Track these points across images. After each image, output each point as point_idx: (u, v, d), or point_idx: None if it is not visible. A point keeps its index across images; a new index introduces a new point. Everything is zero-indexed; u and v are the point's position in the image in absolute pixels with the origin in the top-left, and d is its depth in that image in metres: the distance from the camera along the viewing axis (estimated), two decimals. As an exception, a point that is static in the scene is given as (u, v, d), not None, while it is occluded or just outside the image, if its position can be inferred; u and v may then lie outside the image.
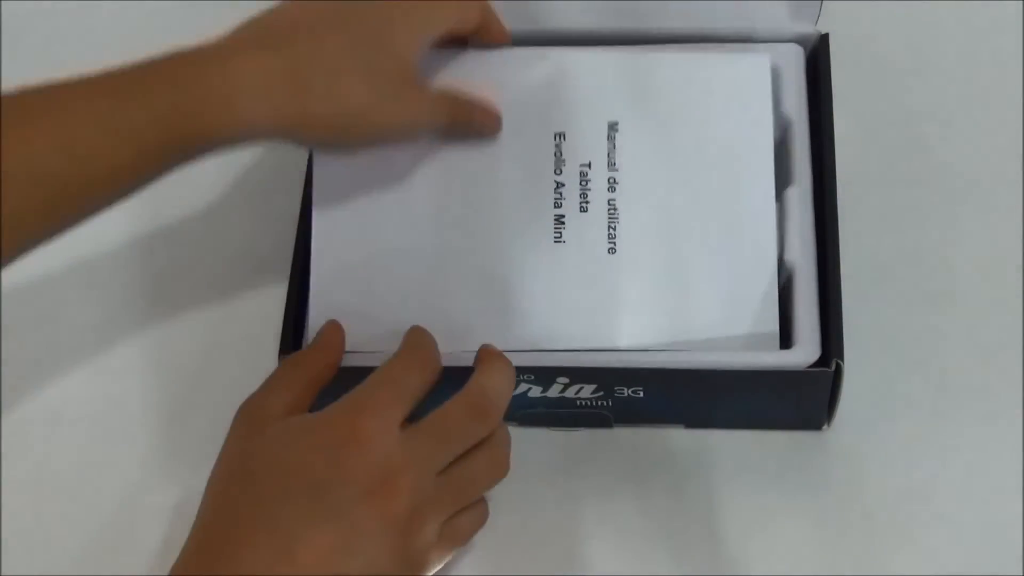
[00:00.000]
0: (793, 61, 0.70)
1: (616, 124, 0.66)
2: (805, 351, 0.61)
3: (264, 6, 0.61)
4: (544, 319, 0.64)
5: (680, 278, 0.64)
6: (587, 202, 0.65)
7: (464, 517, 0.56)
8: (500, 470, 0.57)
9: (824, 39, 0.69)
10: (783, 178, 0.67)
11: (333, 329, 0.62)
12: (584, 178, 0.65)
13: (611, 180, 0.65)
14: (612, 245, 0.64)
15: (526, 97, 0.67)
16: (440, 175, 0.66)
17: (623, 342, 0.63)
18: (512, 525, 0.65)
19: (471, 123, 0.64)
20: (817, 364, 0.61)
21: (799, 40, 0.70)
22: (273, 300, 0.66)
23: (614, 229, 0.65)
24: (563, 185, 0.65)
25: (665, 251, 0.64)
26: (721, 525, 0.64)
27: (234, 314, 0.72)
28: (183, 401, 0.70)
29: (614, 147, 0.66)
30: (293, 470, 0.51)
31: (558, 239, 0.65)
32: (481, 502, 0.58)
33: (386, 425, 0.52)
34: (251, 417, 0.55)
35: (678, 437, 0.67)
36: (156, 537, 0.66)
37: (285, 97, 0.55)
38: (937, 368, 0.67)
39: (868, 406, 0.66)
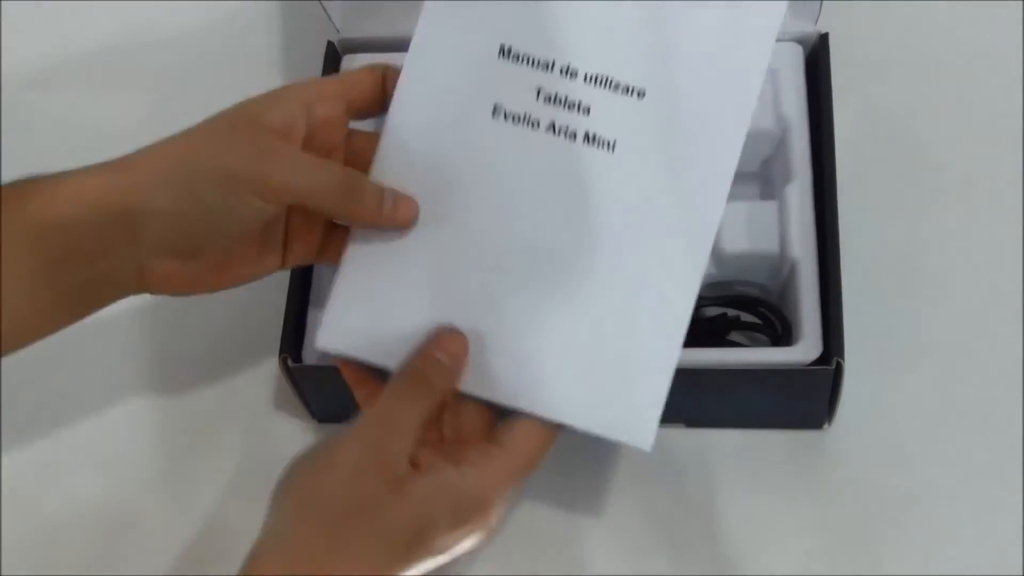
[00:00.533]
0: (793, 60, 0.70)
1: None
2: (806, 349, 0.61)
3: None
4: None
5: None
6: None
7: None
8: None
9: (824, 38, 0.69)
10: (783, 176, 0.67)
11: (452, 340, 0.56)
12: None
13: None
14: None
15: None
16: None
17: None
18: (512, 525, 0.65)
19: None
20: (818, 362, 0.61)
21: (799, 39, 0.70)
22: (273, 300, 0.66)
23: None
24: None
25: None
26: (721, 525, 0.64)
27: (234, 314, 0.72)
28: (183, 401, 0.70)
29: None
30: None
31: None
32: None
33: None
34: (382, 468, 0.52)
35: (678, 436, 0.67)
36: (154, 535, 0.66)
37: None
38: (937, 367, 0.67)
39: (869, 405, 0.66)
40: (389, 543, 0.50)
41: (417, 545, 0.51)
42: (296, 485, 0.52)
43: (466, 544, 0.53)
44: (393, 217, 0.56)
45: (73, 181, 0.52)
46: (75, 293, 0.53)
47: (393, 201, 0.56)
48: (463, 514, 0.52)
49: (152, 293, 0.55)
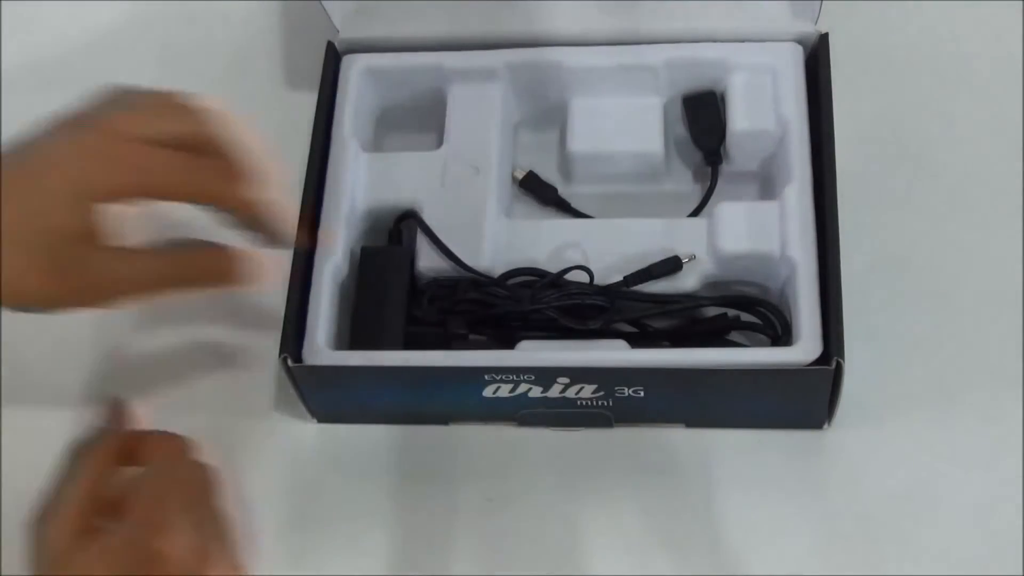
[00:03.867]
0: (793, 60, 0.70)
1: None
2: (806, 349, 0.61)
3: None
4: None
5: None
6: None
7: None
8: None
9: (824, 38, 0.69)
10: (783, 176, 0.67)
11: (116, 406, 0.56)
12: None
13: None
14: None
15: None
16: None
17: None
18: (511, 524, 0.65)
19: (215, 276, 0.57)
20: (817, 362, 0.61)
21: (799, 39, 0.70)
22: (273, 301, 0.66)
23: None
24: None
25: None
26: (721, 525, 0.64)
27: (234, 314, 0.72)
28: (182, 401, 0.70)
29: None
30: None
31: None
32: None
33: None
34: (38, 545, 0.52)
35: (678, 436, 0.67)
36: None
37: None
38: (937, 367, 0.67)
39: (868, 405, 0.66)
40: None
41: None
42: None
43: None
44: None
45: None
46: None
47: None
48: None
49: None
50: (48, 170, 0.53)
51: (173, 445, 0.54)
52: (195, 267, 0.56)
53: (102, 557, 0.49)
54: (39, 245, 0.52)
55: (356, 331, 0.66)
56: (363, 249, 0.68)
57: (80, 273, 0.53)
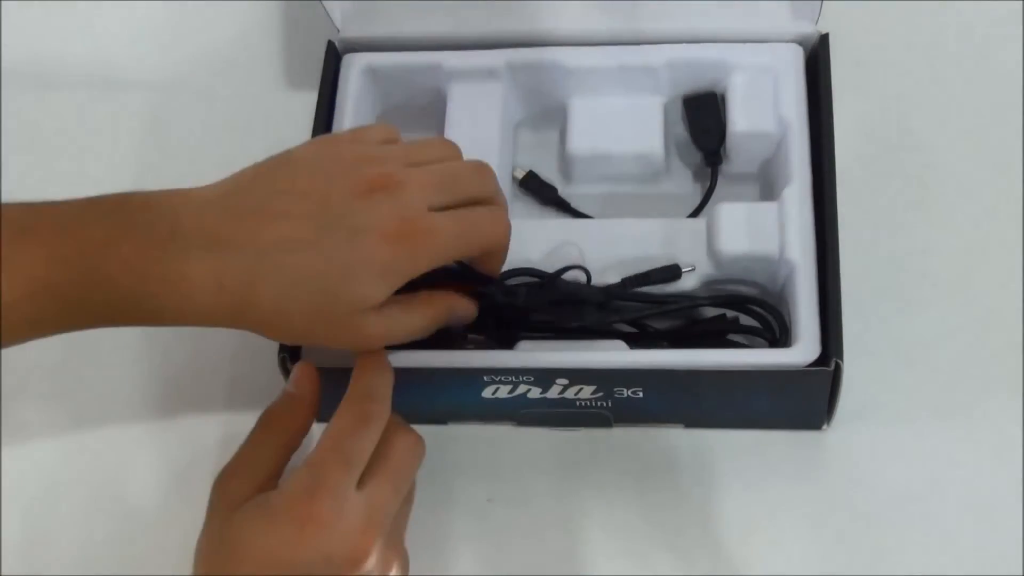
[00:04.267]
0: (793, 61, 0.70)
1: None
2: (804, 350, 0.61)
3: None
4: None
5: None
6: None
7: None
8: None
9: (824, 39, 0.69)
10: (782, 177, 0.67)
11: (305, 375, 0.59)
12: None
13: None
14: None
15: None
16: None
17: None
18: (512, 525, 0.65)
19: (453, 318, 0.61)
20: (816, 363, 0.61)
21: (799, 40, 0.70)
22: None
23: None
24: None
25: None
26: (721, 525, 0.64)
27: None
28: (182, 402, 0.70)
29: None
30: (261, 559, 0.52)
31: None
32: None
33: (340, 503, 0.52)
34: (221, 497, 0.55)
35: (677, 437, 0.67)
36: (153, 535, 0.66)
37: (231, 305, 0.54)
38: (937, 367, 0.67)
39: (868, 406, 0.66)
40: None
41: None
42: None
43: None
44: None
45: (186, 301, 0.53)
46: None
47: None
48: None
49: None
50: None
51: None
52: (446, 310, 0.59)
53: (265, 515, 0.53)
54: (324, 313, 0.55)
55: None
56: None
57: (354, 333, 0.55)
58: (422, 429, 0.67)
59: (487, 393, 0.64)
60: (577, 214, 0.72)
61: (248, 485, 0.55)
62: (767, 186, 0.71)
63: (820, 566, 0.63)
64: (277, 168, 0.56)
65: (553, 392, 0.63)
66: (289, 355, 0.63)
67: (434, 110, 0.73)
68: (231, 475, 0.56)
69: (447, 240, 0.55)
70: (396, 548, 0.56)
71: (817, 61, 0.69)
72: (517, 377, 0.62)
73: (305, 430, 0.59)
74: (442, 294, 0.59)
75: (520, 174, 0.73)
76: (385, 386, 0.57)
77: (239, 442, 0.69)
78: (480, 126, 0.71)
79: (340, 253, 0.53)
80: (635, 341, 0.65)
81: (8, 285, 0.52)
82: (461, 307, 0.61)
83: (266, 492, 0.54)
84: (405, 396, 0.62)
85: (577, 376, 0.62)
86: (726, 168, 0.72)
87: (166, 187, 0.56)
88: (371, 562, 0.52)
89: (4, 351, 0.70)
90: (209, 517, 0.55)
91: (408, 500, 0.58)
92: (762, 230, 0.65)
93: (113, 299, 0.53)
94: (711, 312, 0.66)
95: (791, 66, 0.70)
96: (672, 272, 0.66)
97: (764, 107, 0.69)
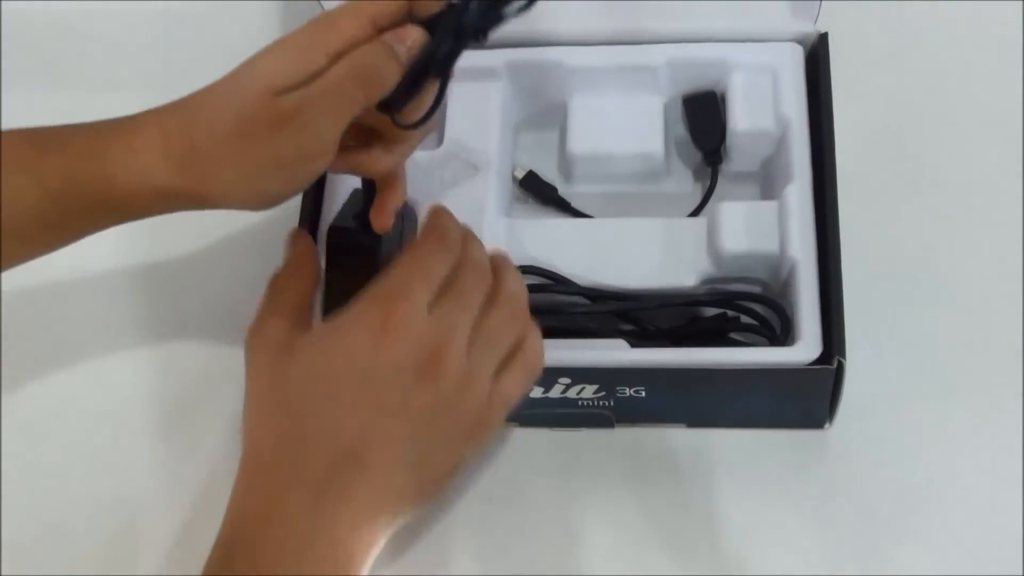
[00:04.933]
0: (792, 60, 0.70)
1: None
2: (806, 348, 0.61)
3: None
4: None
5: None
6: None
7: (509, 373, 0.54)
8: (521, 321, 0.55)
9: (823, 38, 0.69)
10: (783, 176, 0.67)
11: (299, 239, 0.59)
12: None
13: None
14: None
15: None
16: None
17: None
18: (512, 525, 0.65)
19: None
20: (818, 362, 0.61)
21: (798, 39, 0.70)
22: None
23: None
24: None
25: None
26: (721, 524, 0.64)
27: (234, 313, 0.72)
28: (183, 401, 0.70)
29: None
30: (338, 375, 0.51)
31: None
32: (520, 352, 0.55)
33: (416, 309, 0.51)
34: (267, 343, 0.53)
35: (679, 436, 0.67)
36: (154, 535, 0.66)
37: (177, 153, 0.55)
38: (938, 367, 0.67)
39: (869, 404, 0.66)
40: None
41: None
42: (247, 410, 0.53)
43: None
44: (405, 51, 0.54)
45: (139, 168, 0.54)
46: (139, 211, 0.57)
47: (396, 41, 0.54)
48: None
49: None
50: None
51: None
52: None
53: (336, 330, 0.52)
54: None
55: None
56: (332, 230, 0.63)
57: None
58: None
59: (489, 392, 0.64)
60: (577, 214, 0.72)
61: (285, 325, 0.54)
62: (767, 185, 0.71)
63: (821, 565, 0.63)
64: None
65: (555, 391, 0.63)
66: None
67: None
68: (268, 326, 0.54)
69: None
70: (477, 373, 0.53)
71: (817, 60, 0.69)
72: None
73: (313, 289, 0.57)
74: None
75: (520, 174, 0.73)
76: (456, 222, 0.56)
77: (239, 441, 0.69)
78: (480, 126, 0.71)
79: None
80: (636, 340, 0.65)
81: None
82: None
83: (322, 321, 0.54)
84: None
85: (579, 375, 0.62)
86: (726, 167, 0.72)
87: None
88: (449, 379, 0.51)
89: (5, 350, 0.70)
90: (256, 374, 0.53)
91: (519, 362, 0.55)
92: (763, 229, 0.65)
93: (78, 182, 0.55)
94: (712, 311, 0.66)
95: (791, 65, 0.70)
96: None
97: (764, 106, 0.69)
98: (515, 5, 0.56)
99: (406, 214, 0.64)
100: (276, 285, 0.57)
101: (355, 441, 0.50)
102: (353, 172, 0.59)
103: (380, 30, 0.54)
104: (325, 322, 0.53)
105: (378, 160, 0.58)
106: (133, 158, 0.54)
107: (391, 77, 0.53)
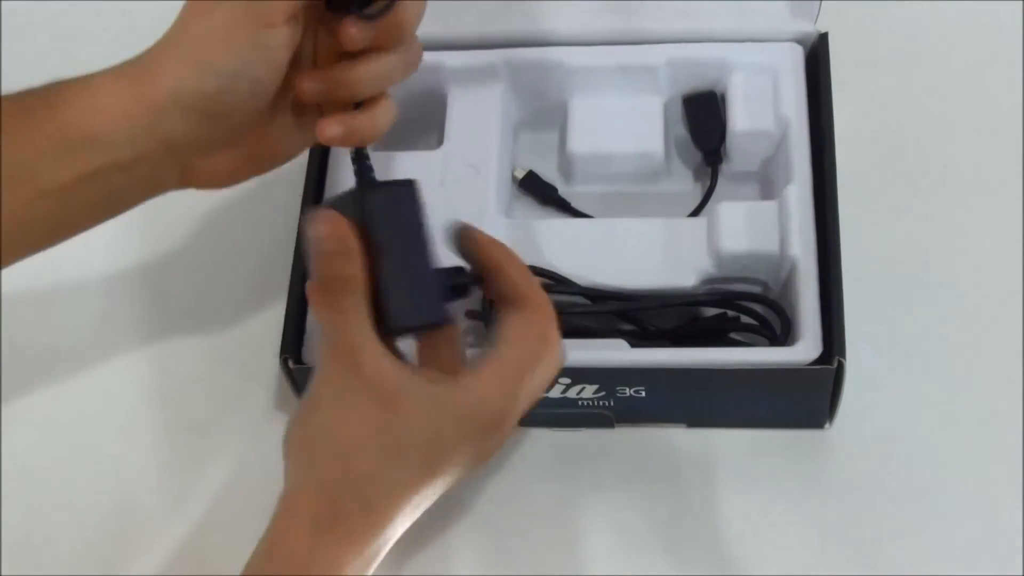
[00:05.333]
0: (792, 60, 0.70)
1: None
2: (806, 348, 0.61)
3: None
4: None
5: None
6: None
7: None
8: (553, 335, 0.54)
9: (823, 38, 0.70)
10: (783, 176, 0.67)
11: (331, 221, 0.52)
12: None
13: None
14: None
15: None
16: None
17: None
18: (512, 525, 0.65)
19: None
20: (818, 361, 0.61)
21: (798, 39, 0.70)
22: (273, 300, 0.66)
23: None
24: None
25: None
26: (721, 525, 0.64)
27: (235, 314, 0.72)
28: (183, 402, 0.70)
29: None
30: (441, 434, 0.50)
31: None
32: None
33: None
34: (366, 378, 0.50)
35: (679, 436, 0.67)
36: (154, 535, 0.66)
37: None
38: (939, 366, 0.67)
39: (869, 404, 0.66)
40: (402, 464, 0.50)
41: (434, 462, 0.50)
42: (296, 431, 0.52)
43: (489, 448, 0.52)
44: None
45: (99, 91, 0.52)
46: (110, 198, 0.54)
47: None
48: (470, 424, 0.50)
49: (195, 188, 0.56)
50: None
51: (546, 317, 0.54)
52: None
53: (439, 404, 0.51)
54: None
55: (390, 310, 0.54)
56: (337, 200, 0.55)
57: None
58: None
59: (489, 393, 0.64)
60: (577, 214, 0.72)
61: (380, 353, 0.50)
62: (767, 185, 0.71)
63: (821, 565, 0.63)
64: None
65: (555, 391, 0.63)
66: (291, 356, 0.63)
67: (434, 110, 0.73)
68: (353, 341, 0.50)
69: None
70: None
71: (817, 60, 0.69)
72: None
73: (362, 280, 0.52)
74: None
75: (520, 174, 0.73)
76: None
77: (239, 441, 0.69)
78: (480, 126, 0.71)
79: None
80: (637, 340, 0.65)
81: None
82: None
83: (436, 377, 0.51)
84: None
85: (579, 375, 0.62)
86: (726, 167, 0.72)
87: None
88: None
89: (5, 349, 0.70)
90: (340, 409, 0.50)
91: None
92: (763, 229, 0.65)
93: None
94: (712, 311, 0.66)
95: (791, 65, 0.70)
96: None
97: (764, 106, 0.69)
98: None
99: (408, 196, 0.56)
100: (342, 281, 0.51)
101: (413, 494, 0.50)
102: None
103: None
104: (444, 385, 0.51)
105: (338, 122, 0.55)
106: (88, 88, 0.53)
107: None
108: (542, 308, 0.53)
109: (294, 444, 0.52)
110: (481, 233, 0.55)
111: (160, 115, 0.52)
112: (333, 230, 0.51)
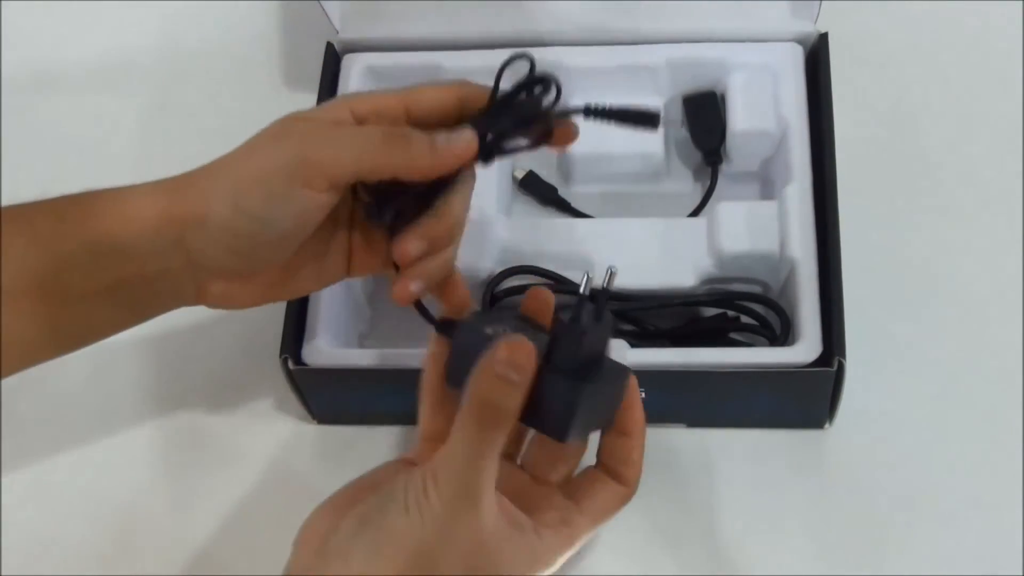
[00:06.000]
0: (792, 60, 0.70)
1: None
2: (806, 349, 0.61)
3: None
4: None
5: None
6: None
7: None
8: None
9: (823, 38, 0.70)
10: (783, 176, 0.67)
11: (527, 356, 0.49)
12: None
13: None
14: None
15: None
16: None
17: None
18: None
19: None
20: (818, 362, 0.61)
21: (798, 39, 0.70)
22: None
23: None
24: None
25: None
26: (723, 524, 0.64)
27: (235, 315, 0.72)
28: (183, 402, 0.70)
29: None
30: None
31: None
32: None
33: None
34: (479, 531, 0.49)
35: (680, 436, 0.67)
36: (155, 535, 0.66)
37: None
38: (939, 367, 0.67)
39: (869, 405, 0.66)
40: None
41: None
42: (353, 526, 0.50)
43: None
44: (450, 151, 0.52)
45: (132, 202, 0.52)
46: (131, 308, 0.54)
47: (446, 139, 0.52)
48: (533, 573, 0.51)
49: (210, 307, 0.56)
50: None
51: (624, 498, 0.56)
52: (403, 135, 0.53)
53: (520, 555, 0.51)
54: None
55: None
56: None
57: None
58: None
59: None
60: (577, 214, 0.72)
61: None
62: (767, 185, 0.71)
63: (820, 566, 0.63)
64: None
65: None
66: (291, 356, 0.63)
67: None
68: (484, 488, 0.49)
69: None
70: None
71: (817, 60, 0.69)
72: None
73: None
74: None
75: (520, 174, 0.73)
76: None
77: (239, 441, 0.69)
78: (480, 126, 0.71)
79: None
80: (636, 340, 0.65)
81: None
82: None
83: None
84: (407, 396, 0.62)
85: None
86: (726, 167, 0.72)
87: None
88: None
89: (5, 349, 0.70)
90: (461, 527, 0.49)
91: None
92: (763, 229, 0.65)
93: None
94: (712, 311, 0.66)
95: (791, 65, 0.70)
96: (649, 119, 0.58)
97: (764, 106, 0.69)
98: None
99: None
100: (506, 414, 0.49)
101: None
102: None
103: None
104: (528, 538, 0.51)
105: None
106: (122, 198, 0.53)
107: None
108: (630, 496, 0.55)
109: (352, 536, 0.50)
110: (636, 384, 0.55)
111: (187, 235, 0.52)
112: (526, 362, 0.49)
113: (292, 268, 0.55)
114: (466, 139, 0.53)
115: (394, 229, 0.54)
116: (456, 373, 0.52)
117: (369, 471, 0.54)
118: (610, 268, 0.52)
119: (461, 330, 0.53)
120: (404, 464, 0.54)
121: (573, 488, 0.55)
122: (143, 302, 0.54)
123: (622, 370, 0.54)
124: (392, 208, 0.54)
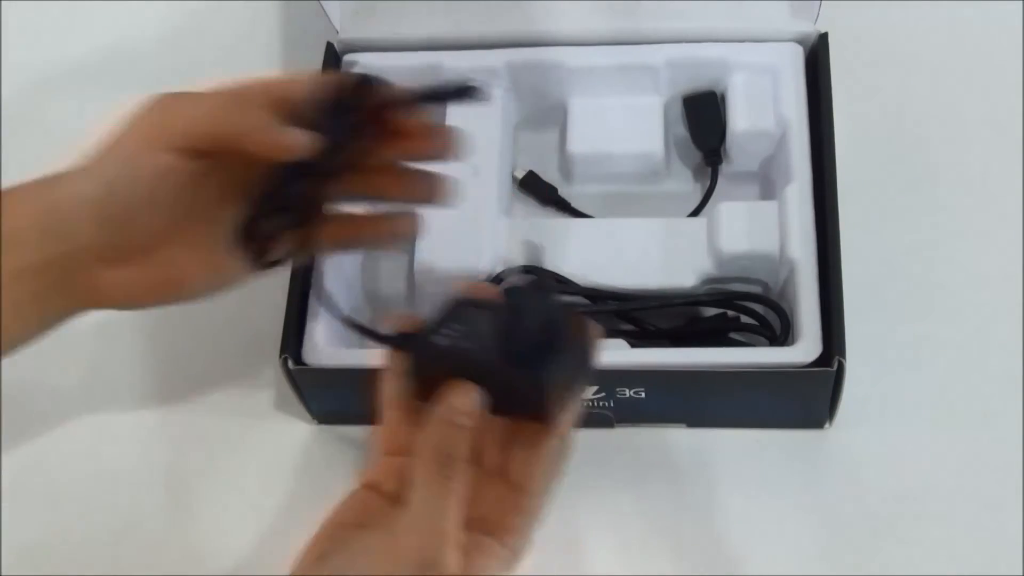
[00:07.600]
0: (792, 60, 0.70)
1: None
2: (806, 349, 0.61)
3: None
4: None
5: None
6: None
7: None
8: None
9: (823, 38, 0.70)
10: (783, 176, 0.67)
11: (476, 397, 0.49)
12: None
13: None
14: None
15: None
16: None
17: None
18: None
19: None
20: (818, 362, 0.61)
21: (798, 39, 0.70)
22: (273, 300, 0.66)
23: None
24: None
25: None
26: (721, 525, 0.64)
27: (234, 314, 0.72)
28: (183, 402, 0.70)
29: None
30: None
31: None
32: None
33: None
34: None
35: (679, 436, 0.67)
36: (155, 535, 0.66)
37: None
38: (938, 366, 0.67)
39: (869, 404, 0.66)
40: None
41: None
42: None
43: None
44: (280, 138, 0.53)
45: (16, 195, 0.54)
46: (31, 306, 0.54)
47: (281, 128, 0.53)
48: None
49: (111, 307, 0.56)
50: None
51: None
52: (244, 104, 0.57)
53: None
54: None
55: None
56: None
57: None
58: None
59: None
60: (577, 214, 0.72)
61: None
62: (767, 185, 0.71)
63: (820, 566, 0.63)
64: None
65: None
66: (291, 356, 0.63)
67: (434, 110, 0.73)
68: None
69: None
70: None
71: (816, 60, 0.69)
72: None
73: None
74: None
75: (520, 174, 0.73)
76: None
77: (239, 441, 0.69)
78: (480, 126, 0.71)
79: None
80: (636, 340, 0.65)
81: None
82: None
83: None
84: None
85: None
86: (726, 167, 0.72)
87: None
88: None
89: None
90: None
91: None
92: (763, 229, 0.65)
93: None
94: (712, 311, 0.66)
95: (791, 65, 0.70)
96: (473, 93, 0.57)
97: (764, 106, 0.69)
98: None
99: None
100: (462, 464, 0.48)
101: None
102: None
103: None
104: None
105: None
106: (10, 190, 0.54)
107: None
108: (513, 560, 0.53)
109: None
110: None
111: (63, 217, 0.53)
112: (476, 407, 0.48)
113: (185, 257, 0.56)
114: (294, 136, 0.53)
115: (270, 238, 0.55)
116: (423, 385, 0.50)
117: (338, 506, 0.52)
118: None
119: (418, 342, 0.51)
120: (371, 494, 0.52)
121: (519, 477, 0.53)
122: (39, 299, 0.54)
123: (580, 320, 0.51)
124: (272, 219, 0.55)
